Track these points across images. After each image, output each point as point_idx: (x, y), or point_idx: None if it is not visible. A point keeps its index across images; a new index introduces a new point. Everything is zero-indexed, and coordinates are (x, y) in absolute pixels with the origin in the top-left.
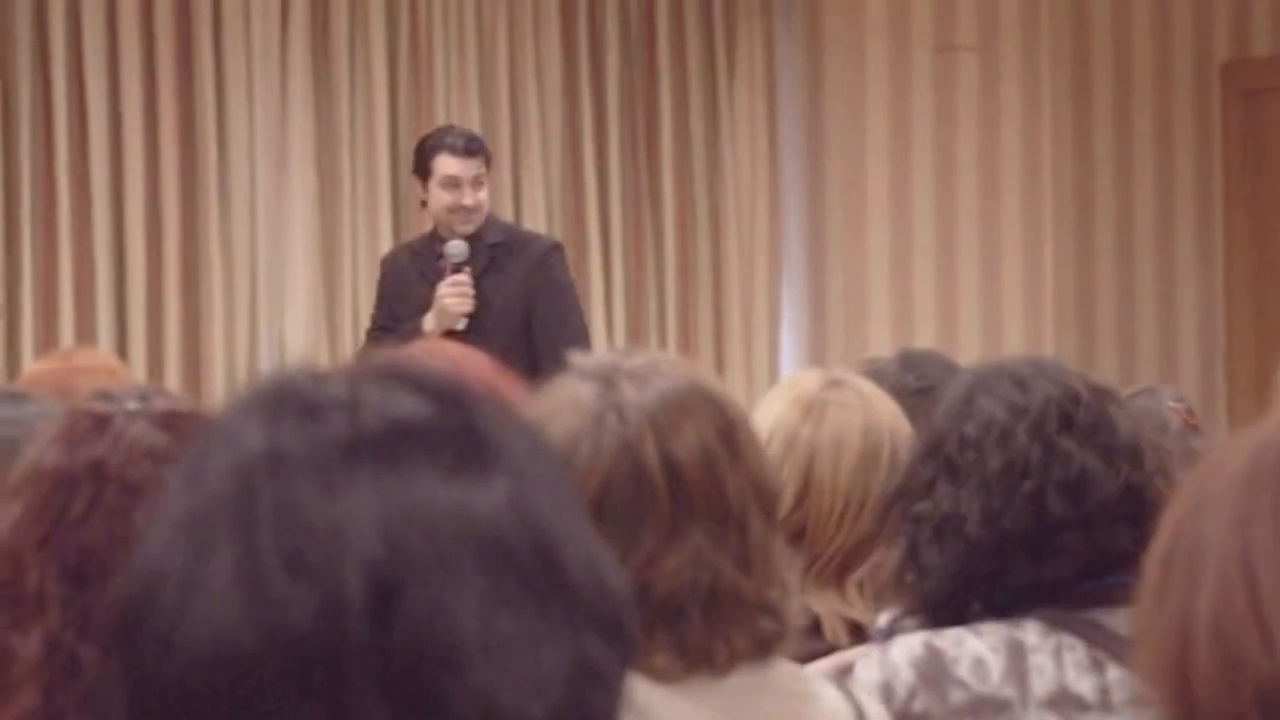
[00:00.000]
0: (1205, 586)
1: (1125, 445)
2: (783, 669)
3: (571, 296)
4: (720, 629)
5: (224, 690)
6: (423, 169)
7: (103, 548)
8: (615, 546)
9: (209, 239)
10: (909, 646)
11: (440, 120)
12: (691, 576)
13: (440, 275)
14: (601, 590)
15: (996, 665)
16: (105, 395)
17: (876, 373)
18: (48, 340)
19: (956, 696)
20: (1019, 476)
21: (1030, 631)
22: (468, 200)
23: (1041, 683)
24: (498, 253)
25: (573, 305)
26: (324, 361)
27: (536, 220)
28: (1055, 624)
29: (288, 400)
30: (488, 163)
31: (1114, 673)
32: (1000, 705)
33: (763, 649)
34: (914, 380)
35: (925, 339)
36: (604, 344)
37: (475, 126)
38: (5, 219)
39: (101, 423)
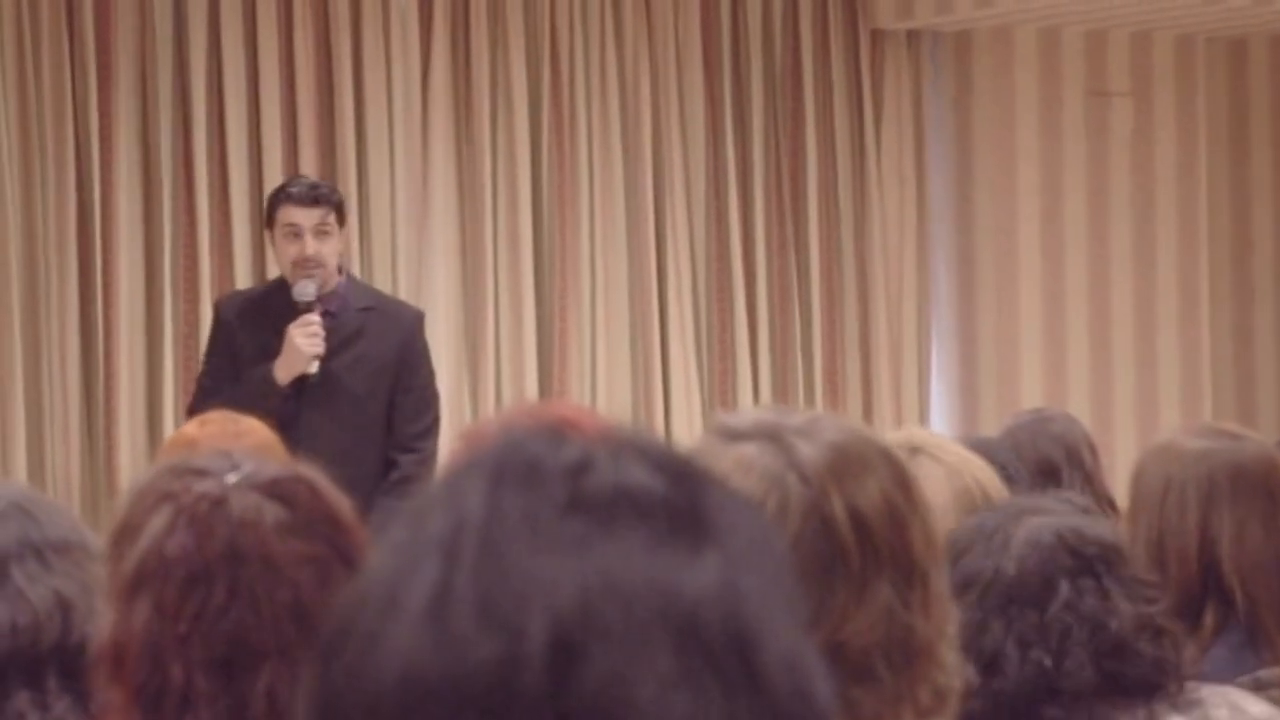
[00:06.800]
0: None
1: (1056, 626)
2: None
3: (429, 366)
4: (908, 686)
5: None
6: (269, 219)
7: (250, 634)
8: (808, 607)
9: None
10: None
11: (584, 173)
12: (885, 631)
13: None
14: (800, 695)
15: None
16: (197, 471)
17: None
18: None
19: None
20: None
21: None
22: (309, 249)
23: None
24: (366, 318)
25: (429, 374)
26: (465, 417)
27: (680, 269)
28: None
29: (516, 461)
30: (339, 215)
31: None
32: None
33: (940, 701)
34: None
35: (1079, 389)
36: (749, 396)
37: (618, 176)
38: (148, 281)
39: (219, 503)
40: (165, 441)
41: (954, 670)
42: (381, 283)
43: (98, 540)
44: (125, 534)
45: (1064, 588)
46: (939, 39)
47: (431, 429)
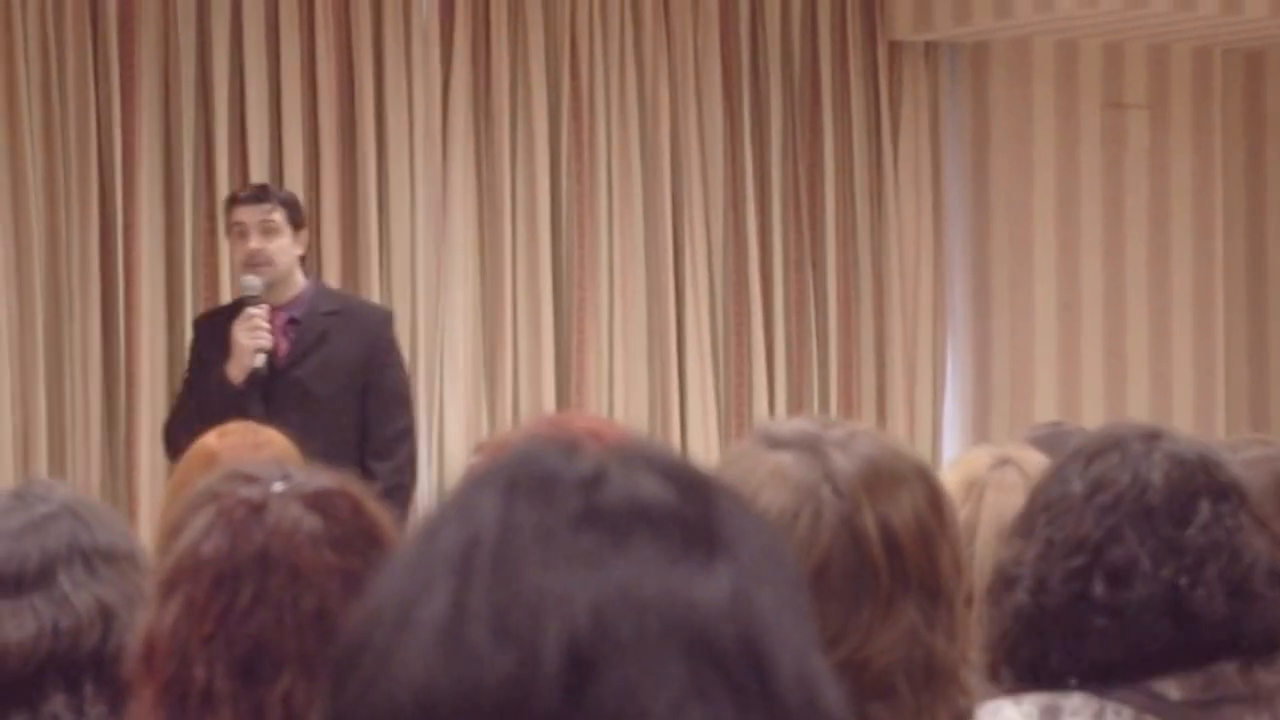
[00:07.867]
0: None
1: (1193, 547)
2: None
3: (400, 368)
4: (928, 705)
5: None
6: (226, 227)
7: (273, 640)
8: (834, 622)
9: None
10: None
11: (603, 185)
12: (906, 652)
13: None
14: (812, 705)
15: None
16: (247, 477)
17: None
18: None
19: None
20: (1071, 552)
21: (1074, 698)
22: (253, 244)
23: None
24: (331, 321)
25: (400, 375)
26: (482, 429)
27: (698, 281)
28: (1102, 693)
29: (529, 473)
30: (290, 214)
31: None
32: None
33: None
34: None
35: (1093, 400)
36: (765, 407)
37: (637, 188)
38: (169, 291)
39: (257, 510)
40: (186, 453)
41: (974, 693)
42: (400, 293)
43: (147, 550)
44: (172, 532)
45: (1205, 509)
46: (956, 50)
47: (406, 433)
